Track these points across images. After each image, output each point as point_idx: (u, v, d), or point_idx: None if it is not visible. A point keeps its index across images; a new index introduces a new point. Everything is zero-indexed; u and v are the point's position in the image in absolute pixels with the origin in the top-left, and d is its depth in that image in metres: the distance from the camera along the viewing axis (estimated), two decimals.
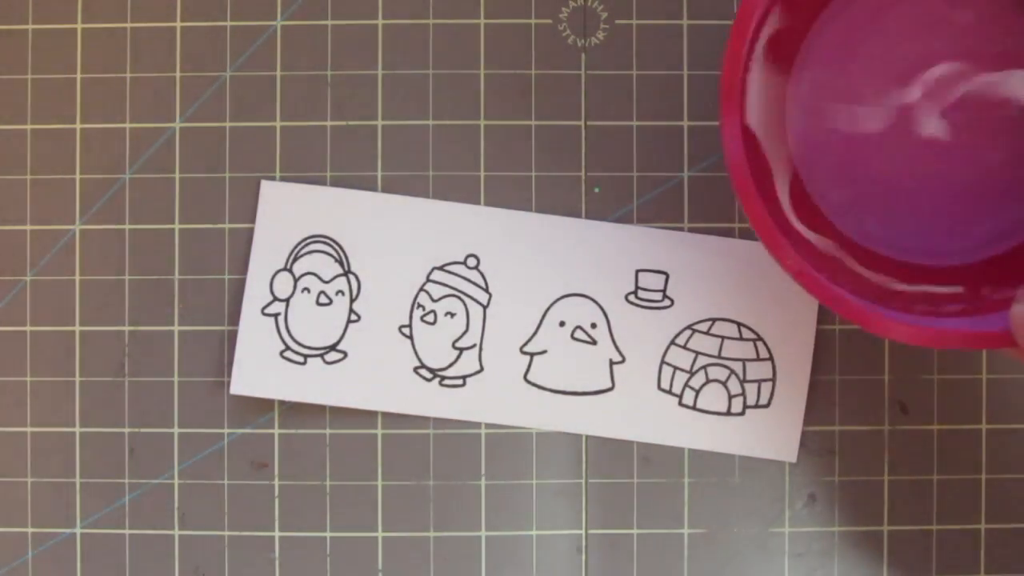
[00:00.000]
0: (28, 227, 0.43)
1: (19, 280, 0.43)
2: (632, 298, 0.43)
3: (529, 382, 0.42)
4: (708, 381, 0.42)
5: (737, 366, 0.42)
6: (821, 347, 0.43)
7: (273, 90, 0.43)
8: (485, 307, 0.43)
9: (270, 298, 0.42)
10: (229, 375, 0.42)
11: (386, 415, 0.43)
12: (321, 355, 0.42)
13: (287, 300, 0.43)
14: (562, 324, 0.42)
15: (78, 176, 0.43)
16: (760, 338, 0.42)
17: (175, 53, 0.43)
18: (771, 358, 0.42)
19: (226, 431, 0.43)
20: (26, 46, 0.43)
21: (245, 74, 0.43)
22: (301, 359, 0.42)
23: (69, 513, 0.43)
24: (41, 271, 0.43)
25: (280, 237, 0.43)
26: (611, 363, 0.42)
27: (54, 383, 0.43)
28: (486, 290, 0.43)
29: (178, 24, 0.43)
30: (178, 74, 0.43)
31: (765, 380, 0.42)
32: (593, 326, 0.42)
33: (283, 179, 0.43)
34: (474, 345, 0.42)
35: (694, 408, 0.42)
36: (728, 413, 0.42)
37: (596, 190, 0.43)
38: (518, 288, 0.43)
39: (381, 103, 0.43)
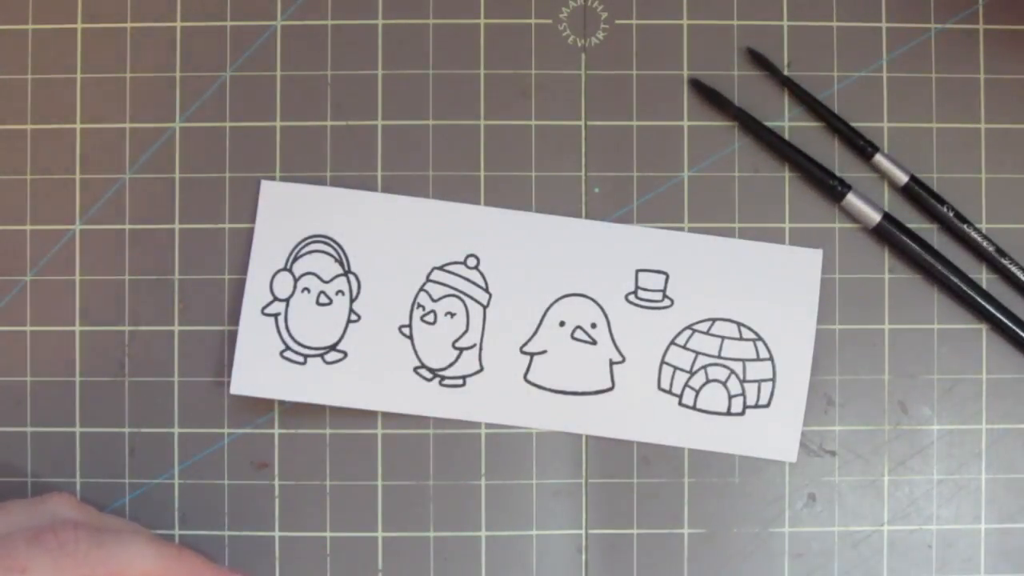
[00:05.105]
0: (28, 227, 0.43)
1: (19, 280, 0.43)
2: (632, 298, 0.43)
3: (529, 382, 0.42)
4: (708, 381, 0.42)
5: (737, 366, 0.42)
6: (821, 347, 0.43)
7: (273, 90, 0.43)
8: (485, 307, 0.43)
9: (270, 298, 0.42)
10: (229, 375, 0.42)
11: (386, 415, 0.43)
12: (321, 355, 0.42)
13: (287, 300, 0.43)
14: (562, 324, 0.42)
15: (78, 176, 0.43)
16: (760, 338, 0.42)
17: (175, 53, 0.43)
18: (771, 358, 0.42)
19: (226, 431, 0.43)
20: (26, 46, 0.43)
21: (245, 74, 0.43)
22: (301, 359, 0.42)
23: None
24: (41, 271, 0.43)
25: (280, 237, 0.43)
26: (611, 363, 0.42)
27: (54, 383, 0.43)
28: (486, 290, 0.43)
29: (178, 24, 0.43)
30: (178, 74, 0.43)
31: (765, 380, 0.42)
32: (593, 326, 0.42)
33: (283, 179, 0.43)
34: (474, 345, 0.42)
35: (694, 408, 0.42)
36: (728, 413, 0.42)
37: (596, 190, 0.43)
38: (518, 288, 0.43)
39: (381, 103, 0.43)
